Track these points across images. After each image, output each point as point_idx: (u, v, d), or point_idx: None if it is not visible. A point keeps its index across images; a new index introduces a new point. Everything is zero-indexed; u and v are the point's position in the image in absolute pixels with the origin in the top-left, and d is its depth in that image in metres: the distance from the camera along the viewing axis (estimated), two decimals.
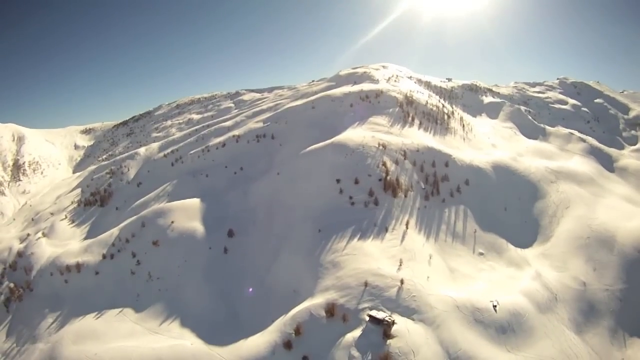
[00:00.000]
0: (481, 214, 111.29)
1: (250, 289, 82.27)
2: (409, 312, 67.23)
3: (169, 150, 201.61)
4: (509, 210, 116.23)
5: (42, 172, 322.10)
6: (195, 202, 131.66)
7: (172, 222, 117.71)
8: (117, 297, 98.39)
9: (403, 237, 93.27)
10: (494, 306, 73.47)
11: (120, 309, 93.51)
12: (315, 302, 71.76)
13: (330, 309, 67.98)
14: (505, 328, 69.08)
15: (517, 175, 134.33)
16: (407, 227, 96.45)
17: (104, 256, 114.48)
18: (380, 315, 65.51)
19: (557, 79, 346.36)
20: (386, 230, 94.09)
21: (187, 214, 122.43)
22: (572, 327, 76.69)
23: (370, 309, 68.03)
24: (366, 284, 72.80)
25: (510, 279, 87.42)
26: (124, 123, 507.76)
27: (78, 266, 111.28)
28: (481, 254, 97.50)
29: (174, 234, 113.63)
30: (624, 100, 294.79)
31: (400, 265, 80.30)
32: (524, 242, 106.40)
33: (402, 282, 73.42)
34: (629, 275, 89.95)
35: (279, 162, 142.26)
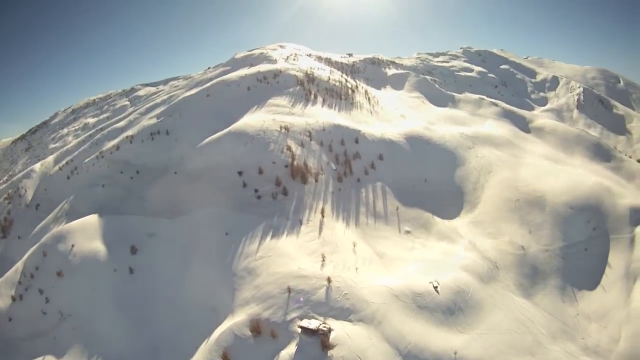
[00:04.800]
0: (401, 189, 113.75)
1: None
2: (345, 314, 64.03)
3: (64, 162, 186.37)
4: (429, 181, 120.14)
5: None
6: (93, 218, 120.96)
7: (73, 245, 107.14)
8: (36, 344, 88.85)
9: (321, 228, 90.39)
10: (435, 287, 73.07)
11: (41, 358, 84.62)
12: (237, 320, 66.48)
13: (256, 326, 62.71)
14: (452, 309, 68.89)
15: (432, 144, 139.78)
16: (323, 216, 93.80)
17: (13, 298, 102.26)
18: (312, 324, 61.30)
19: (461, 48, 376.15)
20: (300, 222, 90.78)
21: (86, 234, 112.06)
22: (520, 292, 79.58)
23: (300, 318, 63.77)
24: (289, 290, 68.68)
25: (444, 254, 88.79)
26: (22, 137, 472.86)
27: None
28: (408, 232, 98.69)
29: (77, 260, 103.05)
30: (530, 65, 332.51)
31: (323, 260, 77.39)
32: (451, 213, 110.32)
33: (329, 280, 70.05)
34: (566, 232, 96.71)
35: (176, 160, 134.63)
